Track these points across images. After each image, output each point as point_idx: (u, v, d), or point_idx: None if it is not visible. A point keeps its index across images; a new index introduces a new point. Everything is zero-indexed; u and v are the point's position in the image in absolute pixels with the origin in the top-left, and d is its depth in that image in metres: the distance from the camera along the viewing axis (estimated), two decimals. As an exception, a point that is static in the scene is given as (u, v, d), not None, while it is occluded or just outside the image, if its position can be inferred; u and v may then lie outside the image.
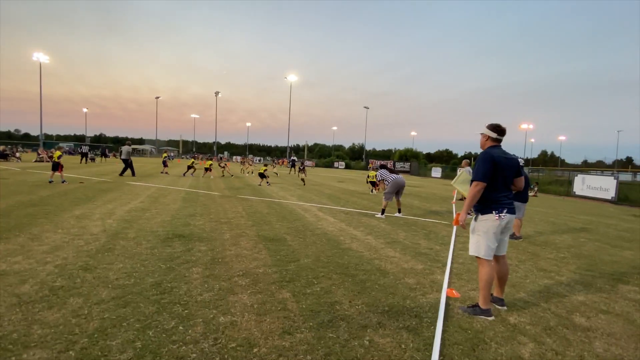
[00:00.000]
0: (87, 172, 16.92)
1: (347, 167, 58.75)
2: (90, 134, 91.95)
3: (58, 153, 11.27)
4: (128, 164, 15.95)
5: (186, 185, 12.96)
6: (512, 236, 5.97)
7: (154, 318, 2.47)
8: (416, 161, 52.43)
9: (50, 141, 61.21)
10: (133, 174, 15.77)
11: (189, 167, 17.74)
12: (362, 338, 2.35)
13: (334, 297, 3.05)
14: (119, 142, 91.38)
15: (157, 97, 74.02)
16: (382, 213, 7.83)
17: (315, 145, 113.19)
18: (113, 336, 2.20)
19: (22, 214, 6.02)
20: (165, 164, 19.11)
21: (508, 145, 5.29)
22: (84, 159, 27.06)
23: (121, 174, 15.58)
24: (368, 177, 14.66)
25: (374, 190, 13.77)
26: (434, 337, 2.41)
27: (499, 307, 3.00)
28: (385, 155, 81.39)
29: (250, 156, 68.31)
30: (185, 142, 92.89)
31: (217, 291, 3.03)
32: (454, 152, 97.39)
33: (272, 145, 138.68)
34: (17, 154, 29.45)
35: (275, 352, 2.13)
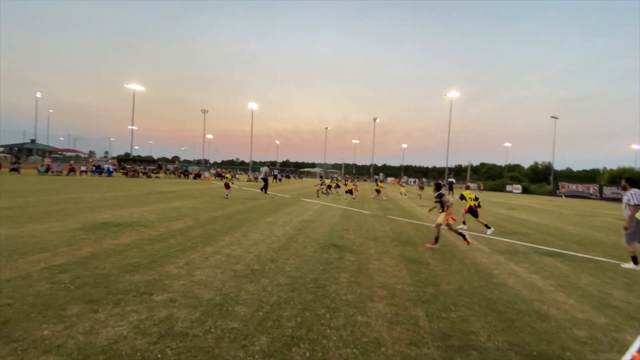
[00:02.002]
0: (276, 190, 21.75)
1: (526, 191, 48.90)
2: (279, 160, 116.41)
3: (229, 176, 15.17)
4: (266, 182, 19.17)
5: (344, 204, 14.58)
6: None
7: (310, 304, 3.22)
8: None
9: (255, 166, 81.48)
10: (265, 191, 18.12)
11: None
12: (494, 372, 2.27)
13: (470, 326, 2.97)
14: (298, 166, 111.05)
15: (326, 128, 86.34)
16: (636, 262, 5.49)
17: (482, 165, 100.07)
18: (284, 309, 3.06)
19: (238, 218, 8.65)
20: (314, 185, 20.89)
21: None
22: (275, 179, 34.77)
23: (262, 189, 18.32)
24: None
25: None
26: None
27: None
28: (588, 176, 62.50)
29: (405, 178, 67.77)
30: (347, 165, 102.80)
31: (359, 295, 3.54)
32: None
33: (429, 167, 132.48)
34: (237, 176, 41.06)
35: (399, 356, 2.40)
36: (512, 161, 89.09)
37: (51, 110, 75.76)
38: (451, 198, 6.50)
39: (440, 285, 4.08)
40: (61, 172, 29.03)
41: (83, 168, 31.76)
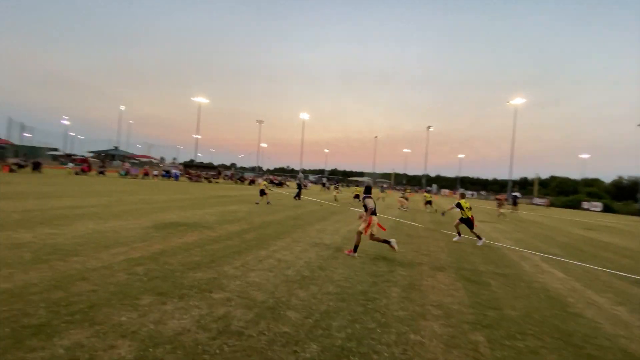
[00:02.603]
0: (324, 198, 21.96)
1: (608, 209, 42.77)
2: (328, 168, 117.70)
3: (264, 183, 15.13)
4: (300, 188, 19.24)
5: (394, 215, 14.16)
6: None
7: (360, 316, 3.17)
8: None
9: (305, 174, 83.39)
10: (298, 197, 18.12)
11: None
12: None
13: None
14: (346, 174, 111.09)
15: (376, 136, 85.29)
16: None
17: (552, 178, 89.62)
18: (333, 319, 3.05)
19: (289, 224, 8.90)
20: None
21: None
22: (323, 187, 35.17)
23: (296, 196, 18.23)
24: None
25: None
26: None
27: None
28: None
29: (461, 190, 63.61)
30: (397, 175, 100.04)
31: (411, 312, 3.39)
32: None
33: (489, 178, 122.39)
34: (287, 183, 42.40)
35: (458, 382, 2.23)
36: (590, 175, 77.44)
37: (131, 121, 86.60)
38: (371, 204, 5.82)
39: (504, 310, 3.72)
40: (137, 175, 32.81)
41: (155, 172, 35.53)
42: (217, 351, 2.35)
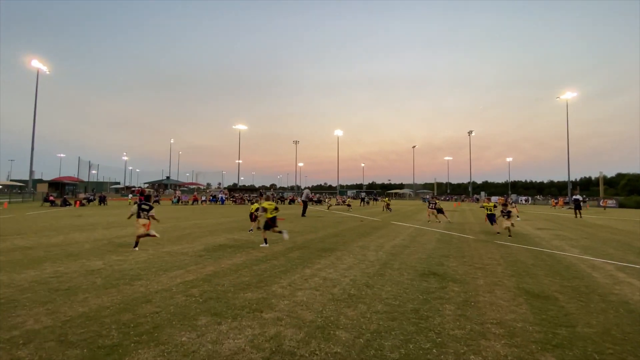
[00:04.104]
0: (365, 213, 21.67)
1: (694, 209, 36.85)
2: (365, 182, 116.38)
3: (255, 206, 10.63)
4: (305, 205, 18.57)
5: (440, 227, 13.51)
6: None
7: (413, 336, 3.04)
8: None
9: (342, 190, 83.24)
10: (303, 214, 17.66)
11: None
12: None
13: (629, 385, 2.33)
14: (385, 187, 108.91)
15: (414, 146, 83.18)
16: None
17: (620, 176, 79.89)
18: (385, 338, 2.96)
19: (331, 241, 8.89)
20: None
21: None
22: (362, 202, 34.73)
23: (302, 214, 17.78)
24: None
25: None
26: None
27: None
28: None
29: (514, 196, 59.21)
30: (439, 185, 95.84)
31: (469, 331, 3.17)
32: None
33: (545, 181, 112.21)
34: (326, 200, 42.58)
35: (530, 409, 2.03)
36: None
37: (180, 152, 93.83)
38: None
39: (577, 327, 3.34)
40: (188, 202, 35.12)
41: (203, 198, 37.77)
42: (272, 371, 2.39)
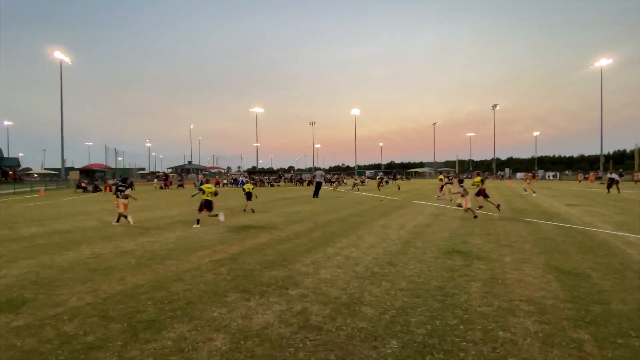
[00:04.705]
0: (384, 192, 21.51)
1: None
2: (384, 162, 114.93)
3: (249, 185, 12.36)
4: (318, 186, 17.98)
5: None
6: None
7: (439, 312, 3.04)
8: None
9: (360, 170, 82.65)
10: (315, 195, 17.34)
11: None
12: None
13: (670, 363, 2.24)
14: (404, 167, 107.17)
15: (434, 123, 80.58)
16: None
17: (660, 149, 74.38)
18: (411, 315, 2.98)
19: (352, 221, 8.93)
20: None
21: None
22: (381, 182, 34.41)
23: (314, 195, 17.43)
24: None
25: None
26: None
27: None
28: None
29: (536, 171, 56.88)
30: (461, 162, 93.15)
31: (496, 308, 3.13)
32: None
33: (575, 155, 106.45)
34: (345, 181, 42.55)
35: (563, 385, 2.00)
36: None
37: (200, 137, 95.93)
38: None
39: (611, 304, 3.22)
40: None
41: (225, 181, 38.67)
42: (300, 345, 2.47)
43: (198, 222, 8.20)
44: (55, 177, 49.37)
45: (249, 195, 11.92)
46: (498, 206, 10.64)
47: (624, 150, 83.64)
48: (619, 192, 19.09)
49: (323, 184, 19.41)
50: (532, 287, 3.70)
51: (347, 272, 4.28)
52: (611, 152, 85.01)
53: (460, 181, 10.95)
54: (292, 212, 11.28)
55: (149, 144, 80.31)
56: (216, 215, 8.39)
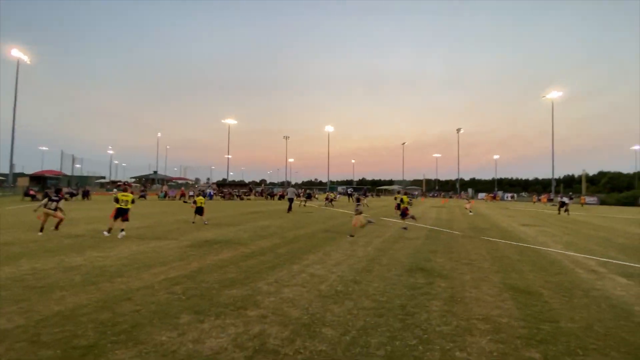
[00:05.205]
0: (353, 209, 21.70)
1: (670, 206, 38.26)
2: (355, 178, 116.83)
3: (201, 199, 12.14)
4: (291, 202, 18.44)
5: (429, 223, 13.63)
6: None
7: (399, 332, 3.01)
8: None
9: (332, 185, 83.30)
10: (289, 210, 17.65)
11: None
12: None
13: (611, 380, 2.35)
14: (375, 184, 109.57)
15: (403, 143, 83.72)
16: None
17: (601, 174, 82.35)
18: (372, 335, 2.92)
19: (320, 237, 8.85)
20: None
21: None
22: (349, 198, 34.80)
23: (288, 210, 17.63)
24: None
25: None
26: None
27: None
28: None
29: (470, 191, 60.46)
30: (428, 181, 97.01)
31: (455, 327, 3.16)
32: None
33: (530, 178, 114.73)
34: (317, 196, 42.57)
35: (514, 406, 2.01)
36: None
37: (168, 147, 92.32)
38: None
39: (560, 322, 3.37)
40: (175, 197, 34.54)
41: (191, 193, 37.20)
42: (254, 371, 2.32)
43: (109, 231, 8.31)
44: (2, 184, 44.96)
45: (199, 210, 11.66)
46: (412, 216, 12.31)
47: (573, 175, 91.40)
48: (568, 214, 20.66)
49: (294, 199, 19.54)
50: (489, 306, 3.80)
51: (310, 291, 4.17)
52: (562, 177, 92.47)
53: (358, 199, 10.83)
54: (260, 226, 11.01)
55: (111, 151, 76.01)
56: (122, 230, 8.27)
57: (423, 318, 3.37)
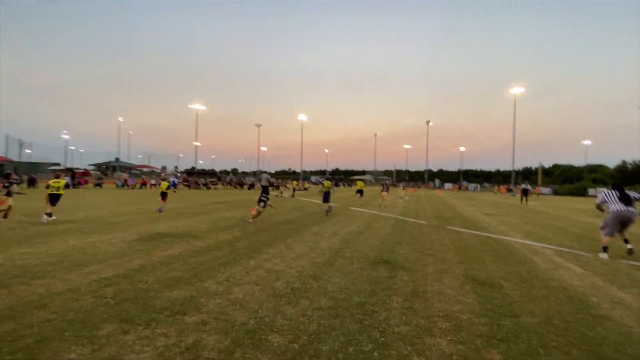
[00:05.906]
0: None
1: (612, 196, 41.80)
2: (329, 168, 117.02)
3: (165, 184, 12.51)
4: (265, 189, 18.27)
5: (396, 212, 13.69)
6: None
7: (355, 336, 2.72)
8: None
9: (307, 175, 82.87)
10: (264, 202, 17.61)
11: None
12: None
13: (572, 382, 2.20)
14: (348, 174, 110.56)
15: (375, 134, 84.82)
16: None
17: (555, 167, 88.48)
18: (324, 342, 2.61)
19: (284, 228, 8.46)
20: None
21: None
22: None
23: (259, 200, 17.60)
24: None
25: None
26: None
27: None
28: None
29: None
30: (399, 172, 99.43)
31: (414, 327, 2.93)
32: None
33: (492, 170, 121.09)
34: (288, 185, 41.92)
35: None
36: (593, 161, 75.85)
37: (131, 132, 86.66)
38: None
39: (521, 317, 3.26)
40: (135, 186, 32.48)
41: (153, 182, 35.16)
42: (176, 396, 1.91)
43: (50, 215, 8.44)
44: None
45: (163, 195, 11.81)
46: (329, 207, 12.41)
47: (530, 168, 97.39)
48: (527, 204, 21.83)
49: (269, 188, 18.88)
50: (450, 301, 3.63)
51: (264, 290, 3.79)
52: (521, 168, 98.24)
53: (7, 185, 9.43)
54: (222, 218, 10.42)
55: (66, 136, 70.10)
56: (50, 214, 8.47)
57: (382, 317, 3.11)
